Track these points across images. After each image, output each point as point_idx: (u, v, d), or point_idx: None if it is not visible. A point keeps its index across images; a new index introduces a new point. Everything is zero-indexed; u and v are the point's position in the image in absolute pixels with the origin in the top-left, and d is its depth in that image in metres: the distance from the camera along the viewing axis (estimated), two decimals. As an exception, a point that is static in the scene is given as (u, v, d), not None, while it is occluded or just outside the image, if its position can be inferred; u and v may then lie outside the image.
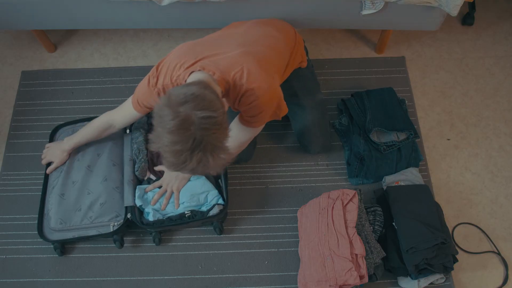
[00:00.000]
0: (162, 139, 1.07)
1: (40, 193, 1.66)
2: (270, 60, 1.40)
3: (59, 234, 1.57)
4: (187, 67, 1.30)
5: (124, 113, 1.52)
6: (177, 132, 1.04)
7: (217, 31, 1.55)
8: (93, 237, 1.57)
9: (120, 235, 1.58)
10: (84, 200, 1.59)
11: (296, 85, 1.65)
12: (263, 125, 1.46)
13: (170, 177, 1.60)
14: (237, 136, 1.43)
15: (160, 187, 1.61)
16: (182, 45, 1.40)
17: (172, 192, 1.60)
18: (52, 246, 1.59)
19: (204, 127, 1.06)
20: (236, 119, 1.42)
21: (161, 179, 1.62)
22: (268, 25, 1.56)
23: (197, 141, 1.06)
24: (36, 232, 1.59)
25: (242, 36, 1.46)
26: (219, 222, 1.60)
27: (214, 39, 1.44)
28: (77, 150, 1.68)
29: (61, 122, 1.81)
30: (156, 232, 1.60)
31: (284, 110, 1.45)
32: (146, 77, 1.39)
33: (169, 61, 1.35)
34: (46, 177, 1.68)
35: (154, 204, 1.58)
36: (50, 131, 1.76)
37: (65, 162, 1.67)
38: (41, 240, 1.58)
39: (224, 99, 1.30)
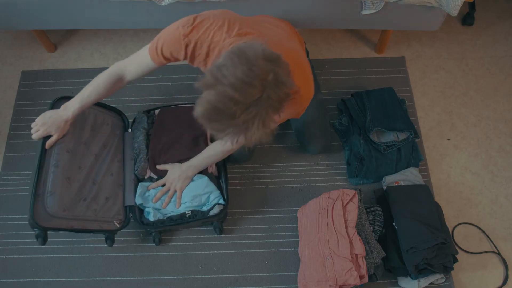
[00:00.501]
0: (223, 76, 0.96)
1: (35, 172, 1.36)
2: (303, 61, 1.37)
3: (57, 222, 1.35)
4: (240, 34, 1.20)
5: (138, 62, 1.36)
6: (247, 80, 0.95)
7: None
8: (95, 232, 1.46)
9: (112, 234, 1.53)
10: (89, 189, 1.48)
11: None
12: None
13: (174, 176, 1.59)
14: (225, 148, 1.43)
15: (163, 185, 1.60)
16: (227, 11, 1.29)
17: (174, 191, 1.59)
18: (36, 234, 1.31)
19: (276, 91, 0.98)
20: None
21: (165, 177, 1.61)
22: (279, 27, 1.49)
23: (259, 101, 0.97)
24: None
25: (273, 31, 1.40)
26: (219, 222, 1.60)
27: (254, 22, 1.34)
28: (80, 133, 1.51)
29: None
30: (156, 232, 1.60)
31: (300, 114, 1.41)
32: (176, 24, 1.27)
33: (213, 18, 1.24)
34: (44, 151, 1.40)
35: (156, 202, 1.58)
36: (53, 100, 1.48)
37: (64, 136, 1.45)
38: (29, 224, 1.31)
39: None
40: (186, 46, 1.27)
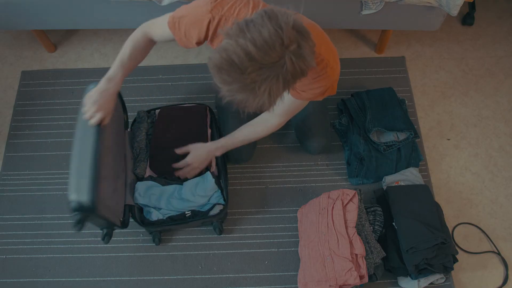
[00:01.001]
0: (248, 30, 0.94)
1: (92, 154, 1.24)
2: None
3: (103, 209, 1.27)
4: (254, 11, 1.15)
5: (160, 29, 1.34)
6: (269, 41, 0.92)
7: None
8: (110, 226, 1.40)
9: (112, 230, 1.46)
10: (116, 182, 1.47)
11: None
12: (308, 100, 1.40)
13: (200, 158, 1.56)
14: (286, 110, 1.40)
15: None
16: None
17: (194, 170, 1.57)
18: (80, 218, 1.21)
19: (293, 63, 0.95)
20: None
21: (189, 158, 1.57)
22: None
23: (274, 66, 0.94)
24: (71, 228, 1.26)
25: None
26: (219, 222, 1.60)
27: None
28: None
29: (61, 122, 1.81)
30: (156, 232, 1.60)
31: (335, 91, 1.35)
32: (198, 2, 1.24)
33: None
34: (96, 132, 1.29)
35: (177, 169, 1.58)
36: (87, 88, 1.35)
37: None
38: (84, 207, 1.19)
39: None
40: (209, 23, 1.22)
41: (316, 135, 1.69)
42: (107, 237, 1.41)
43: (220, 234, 1.63)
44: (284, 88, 1.00)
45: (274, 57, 0.94)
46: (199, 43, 1.30)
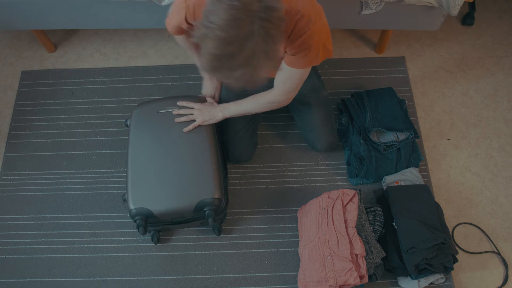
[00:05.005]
0: (210, 22, 0.95)
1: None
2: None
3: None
4: None
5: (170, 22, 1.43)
6: (231, 17, 0.93)
7: None
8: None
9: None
10: None
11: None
12: (309, 68, 1.39)
13: (205, 110, 1.56)
14: (284, 80, 1.37)
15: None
16: None
17: (194, 122, 1.56)
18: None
19: (266, 18, 0.95)
20: (281, 63, 1.35)
21: (197, 104, 1.57)
22: None
23: (252, 34, 0.95)
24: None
25: None
26: (217, 222, 1.60)
27: None
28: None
29: (61, 122, 1.81)
30: (155, 231, 1.60)
31: (330, 52, 1.35)
32: None
33: None
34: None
35: (176, 116, 1.56)
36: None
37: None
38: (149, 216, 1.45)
39: None
40: (186, 13, 1.27)
41: (323, 132, 1.69)
42: (141, 228, 1.46)
43: (219, 235, 1.63)
44: (277, 44, 0.99)
45: (245, 27, 0.94)
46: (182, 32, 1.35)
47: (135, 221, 1.47)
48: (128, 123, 1.62)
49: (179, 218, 1.51)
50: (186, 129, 1.54)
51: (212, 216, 1.45)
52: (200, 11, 1.22)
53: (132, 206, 1.45)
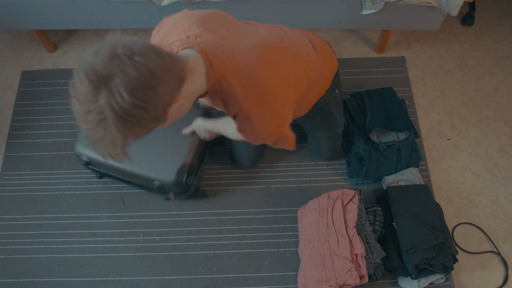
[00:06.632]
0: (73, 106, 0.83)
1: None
2: (296, 76, 1.15)
3: None
4: (188, 38, 1.03)
5: None
6: (86, 83, 0.79)
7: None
8: None
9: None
10: None
11: (318, 122, 1.56)
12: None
13: (199, 129, 1.51)
14: (233, 132, 1.25)
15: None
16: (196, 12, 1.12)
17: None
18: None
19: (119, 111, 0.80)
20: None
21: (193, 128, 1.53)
22: (302, 33, 1.32)
23: (99, 109, 0.80)
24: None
25: (267, 32, 1.17)
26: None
27: (237, 25, 1.13)
28: None
29: (61, 122, 1.81)
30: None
31: (288, 147, 1.25)
32: None
33: (182, 18, 1.08)
34: None
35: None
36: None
37: None
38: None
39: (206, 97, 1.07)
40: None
41: (327, 156, 1.75)
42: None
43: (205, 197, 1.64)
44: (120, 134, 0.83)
45: (93, 104, 0.80)
46: None
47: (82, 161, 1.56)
48: None
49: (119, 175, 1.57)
50: (184, 132, 1.52)
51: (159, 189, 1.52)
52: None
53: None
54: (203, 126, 1.50)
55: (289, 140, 1.22)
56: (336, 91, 1.46)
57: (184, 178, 1.52)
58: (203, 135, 1.53)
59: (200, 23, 1.06)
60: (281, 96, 1.09)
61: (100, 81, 0.79)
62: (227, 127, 1.36)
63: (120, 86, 0.79)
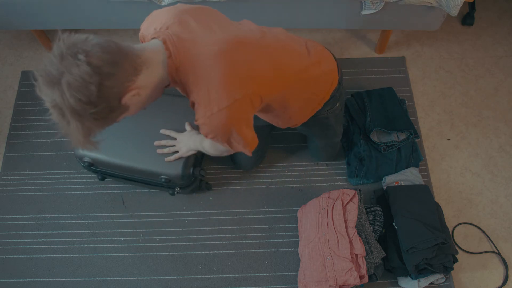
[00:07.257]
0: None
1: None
2: (262, 75, 1.13)
3: None
4: (160, 29, 1.08)
5: None
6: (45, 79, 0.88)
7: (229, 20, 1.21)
8: None
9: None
10: None
11: (316, 132, 1.56)
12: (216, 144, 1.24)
13: (184, 144, 1.47)
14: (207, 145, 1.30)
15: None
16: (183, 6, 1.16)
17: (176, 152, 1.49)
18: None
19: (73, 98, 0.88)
20: None
21: (176, 141, 1.49)
22: (303, 42, 1.29)
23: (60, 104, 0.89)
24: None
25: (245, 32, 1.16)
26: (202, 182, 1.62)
27: (220, 22, 1.14)
28: None
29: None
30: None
31: (245, 150, 1.23)
32: None
33: (167, 10, 1.13)
34: None
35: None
36: None
37: None
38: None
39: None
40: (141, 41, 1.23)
41: (325, 158, 1.75)
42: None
43: (174, 195, 1.62)
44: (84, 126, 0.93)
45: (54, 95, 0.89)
46: None
47: (83, 163, 1.55)
48: None
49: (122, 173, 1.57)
50: (167, 159, 1.47)
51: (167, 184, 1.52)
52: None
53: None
54: (194, 148, 1.46)
55: (245, 142, 1.18)
56: (337, 105, 1.43)
57: (191, 170, 1.52)
58: (186, 153, 1.50)
59: (176, 16, 1.11)
60: (234, 91, 1.08)
61: (53, 82, 0.88)
62: (203, 144, 1.37)
63: (66, 85, 0.87)
